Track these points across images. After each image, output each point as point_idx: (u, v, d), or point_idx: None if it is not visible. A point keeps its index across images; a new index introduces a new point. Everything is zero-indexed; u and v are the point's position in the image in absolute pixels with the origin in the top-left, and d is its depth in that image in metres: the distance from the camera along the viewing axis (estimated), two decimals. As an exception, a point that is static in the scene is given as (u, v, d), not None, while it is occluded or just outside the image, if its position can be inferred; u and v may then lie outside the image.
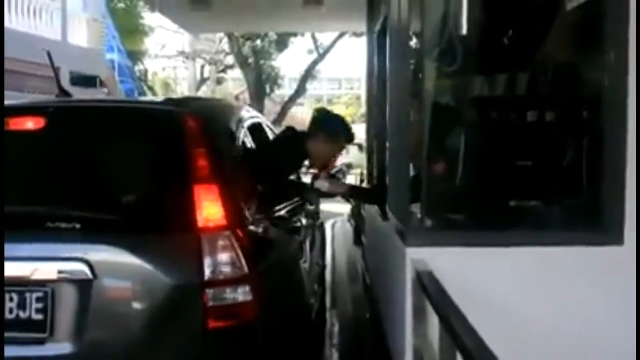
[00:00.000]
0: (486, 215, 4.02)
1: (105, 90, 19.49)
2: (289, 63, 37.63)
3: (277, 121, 32.05)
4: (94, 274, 3.29)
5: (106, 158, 3.74)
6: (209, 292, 3.36)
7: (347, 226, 12.74)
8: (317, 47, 33.13)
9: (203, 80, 38.11)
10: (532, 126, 4.46)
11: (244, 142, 4.39)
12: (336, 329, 7.23)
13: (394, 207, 4.20)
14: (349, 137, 5.07)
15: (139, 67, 34.76)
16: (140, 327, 3.32)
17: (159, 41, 36.61)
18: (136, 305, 3.35)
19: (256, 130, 5.04)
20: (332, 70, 57.16)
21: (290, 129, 5.26)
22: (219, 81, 39.80)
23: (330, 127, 4.90)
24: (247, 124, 4.68)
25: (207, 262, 3.36)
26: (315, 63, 33.61)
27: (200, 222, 3.41)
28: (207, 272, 3.36)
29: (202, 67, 38.31)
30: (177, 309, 3.36)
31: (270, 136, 5.77)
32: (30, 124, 3.73)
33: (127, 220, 3.50)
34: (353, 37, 29.00)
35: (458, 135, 4.34)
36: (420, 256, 3.40)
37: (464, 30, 4.77)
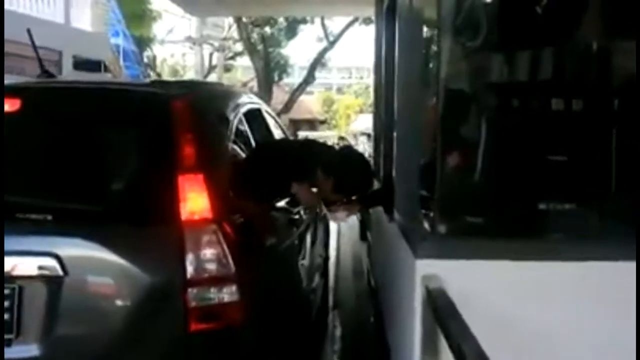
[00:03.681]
0: (512, 221, 3.51)
1: (110, 75, 19.22)
2: (298, 51, 37.48)
3: (285, 110, 31.90)
4: (65, 271, 3.00)
5: (83, 144, 3.42)
6: (192, 291, 3.06)
7: (353, 219, 12.44)
8: (326, 35, 32.76)
9: (211, 68, 37.79)
10: (569, 115, 3.85)
11: (239, 129, 4.09)
12: (338, 333, 6.95)
13: (402, 207, 3.78)
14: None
15: (147, 54, 34.59)
16: (115, 329, 3.03)
17: (165, 27, 36.38)
18: (111, 305, 3.05)
19: (254, 116, 4.73)
20: (342, 59, 57.12)
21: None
22: (228, 69, 39.53)
23: (343, 184, 4.08)
24: (243, 109, 4.37)
25: (189, 258, 3.07)
26: (324, 51, 33.26)
27: (184, 215, 3.11)
28: (190, 270, 3.06)
29: (211, 54, 38.00)
30: (156, 309, 3.07)
31: (271, 124, 5.46)
32: (6, 106, 3.43)
33: (103, 212, 3.19)
34: (363, 25, 28.72)
35: (479, 125, 3.87)
36: (432, 270, 2.95)
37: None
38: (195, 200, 3.14)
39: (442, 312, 2.66)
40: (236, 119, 4.07)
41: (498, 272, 2.99)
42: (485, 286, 2.97)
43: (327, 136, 36.93)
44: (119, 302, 3.04)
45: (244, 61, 38.38)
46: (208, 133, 3.50)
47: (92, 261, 3.04)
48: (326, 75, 57.11)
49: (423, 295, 2.95)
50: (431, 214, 3.30)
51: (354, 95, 61.04)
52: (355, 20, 29.57)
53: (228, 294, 3.12)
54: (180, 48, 40.98)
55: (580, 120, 3.86)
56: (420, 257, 3.02)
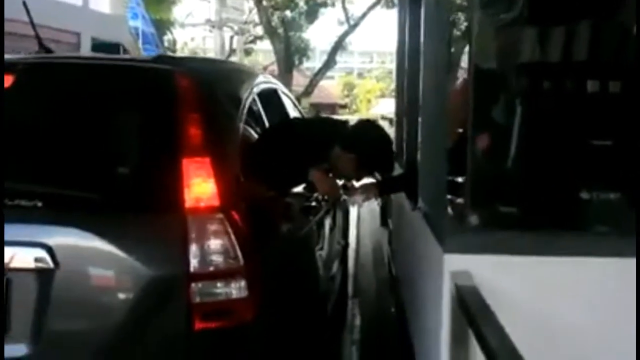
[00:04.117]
0: (552, 213, 3.12)
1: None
2: (319, 35, 37.18)
3: (305, 94, 31.65)
4: (56, 262, 2.73)
5: (78, 123, 3.12)
6: (196, 286, 2.77)
7: (373, 204, 12.13)
8: (347, 19, 32.32)
9: (232, 51, 37.52)
10: (617, 97, 3.47)
11: (252, 110, 3.80)
12: (357, 322, 6.67)
13: (427, 195, 3.46)
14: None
15: (167, 37, 34.36)
16: (112, 327, 2.75)
17: (185, 10, 36.16)
18: (107, 301, 2.78)
19: (269, 97, 4.44)
20: (363, 43, 56.86)
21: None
22: (248, 52, 39.27)
23: (366, 160, 3.93)
24: (257, 89, 4.07)
25: (193, 250, 2.78)
26: (345, 34, 32.82)
27: (188, 202, 2.82)
28: (194, 263, 2.78)
29: (232, 37, 37.80)
30: (156, 306, 2.79)
31: (288, 105, 5.17)
32: (-2, 82, 3.15)
33: (99, 199, 2.90)
34: (385, 8, 28.33)
35: (514, 107, 3.50)
36: (463, 266, 2.65)
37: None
38: (200, 186, 2.85)
39: (473, 311, 2.36)
40: (249, 99, 3.77)
41: (535, 269, 2.69)
42: (521, 284, 2.68)
43: (348, 120, 36.63)
44: (115, 298, 2.78)
45: (265, 45, 38.04)
46: (216, 113, 3.22)
47: (86, 252, 2.76)
48: (347, 60, 56.69)
49: (452, 293, 2.66)
50: (459, 203, 3.00)
51: (375, 80, 60.72)
52: (377, 3, 29.20)
53: (236, 289, 2.83)
54: (200, 32, 40.86)
55: (625, 102, 3.47)
56: (448, 251, 2.72)
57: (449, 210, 2.98)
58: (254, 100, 3.90)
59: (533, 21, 3.59)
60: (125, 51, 19.52)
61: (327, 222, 5.03)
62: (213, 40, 39.02)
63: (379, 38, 70.16)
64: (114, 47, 18.53)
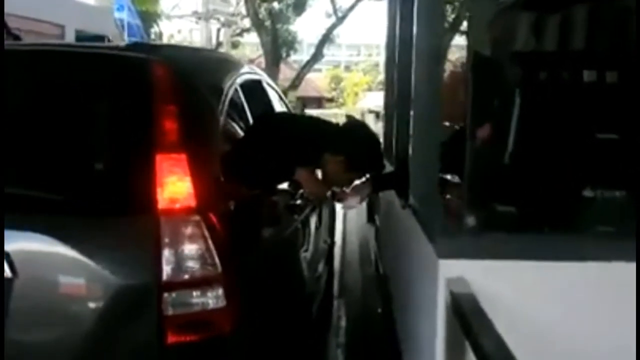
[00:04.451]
0: (557, 214, 2.87)
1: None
2: (306, 27, 37.01)
3: (292, 86, 31.46)
4: (14, 271, 2.48)
5: (43, 117, 2.86)
6: (169, 296, 2.53)
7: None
8: (335, 11, 32.14)
9: (218, 44, 37.22)
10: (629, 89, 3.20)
11: (234, 102, 3.55)
12: (343, 323, 6.48)
13: (419, 193, 3.23)
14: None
15: (154, 29, 34.05)
16: (76, 342, 2.51)
17: (172, 2, 35.88)
18: (71, 312, 2.54)
19: (253, 89, 4.18)
20: (350, 36, 56.81)
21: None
22: (235, 45, 38.95)
23: (356, 161, 3.71)
24: (240, 80, 3.82)
25: (166, 255, 2.53)
26: (333, 27, 32.65)
27: (161, 203, 2.57)
28: (167, 270, 2.53)
29: (218, 30, 37.49)
30: (125, 318, 2.55)
31: (274, 98, 4.92)
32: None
33: (63, 200, 2.65)
34: (373, 0, 28.17)
35: (515, 99, 3.24)
36: (458, 271, 2.43)
37: None
38: (175, 186, 2.59)
39: (470, 320, 2.17)
40: (231, 90, 3.51)
41: (537, 275, 2.47)
42: (521, 291, 2.46)
43: (335, 114, 36.54)
44: (80, 309, 2.53)
45: (252, 37, 37.79)
46: (195, 105, 2.95)
47: (48, 260, 2.52)
48: (334, 53, 56.54)
49: (447, 300, 2.45)
50: (454, 203, 2.77)
51: (362, 73, 60.55)
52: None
53: (213, 298, 2.59)
54: (187, 24, 40.49)
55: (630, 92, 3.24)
56: (443, 256, 2.50)
57: (444, 212, 2.74)
58: (236, 91, 3.65)
59: (535, 6, 3.34)
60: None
61: (313, 221, 4.80)
62: (200, 32, 38.72)
63: (367, 31, 70.11)
64: (99, 40, 18.19)
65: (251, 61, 32.79)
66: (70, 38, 17.39)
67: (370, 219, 9.04)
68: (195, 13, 33.60)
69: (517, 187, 2.96)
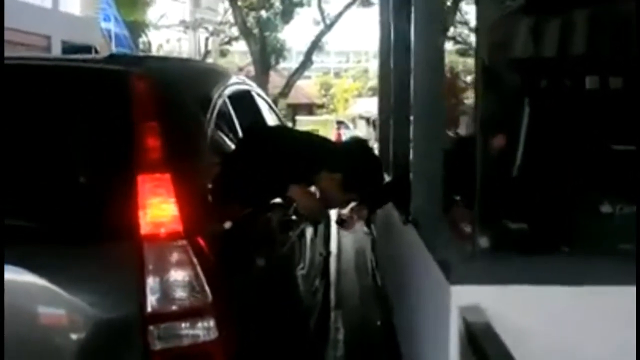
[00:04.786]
0: (581, 234, 2.63)
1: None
2: (295, 35, 37.01)
3: (282, 94, 31.38)
4: None
5: (14, 136, 2.60)
6: (155, 329, 2.32)
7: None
8: (323, 18, 32.10)
9: (207, 52, 37.05)
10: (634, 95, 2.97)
11: (222, 115, 3.35)
12: (341, 336, 6.28)
13: (422, 209, 2.99)
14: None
15: (142, 39, 33.89)
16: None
17: (159, 11, 35.77)
18: (45, 350, 2.32)
19: (242, 100, 3.98)
20: (339, 43, 56.87)
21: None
22: (224, 53, 38.86)
23: (354, 181, 3.49)
24: (228, 91, 3.62)
25: (151, 285, 2.32)
26: (322, 34, 32.62)
27: (144, 228, 2.36)
28: (152, 300, 2.32)
29: (207, 39, 37.37)
30: (107, 354, 2.34)
31: (264, 109, 4.72)
32: None
33: (37, 226, 2.43)
34: (361, 7, 28.07)
35: (527, 107, 3.03)
36: (472, 298, 2.21)
37: None
38: (159, 208, 2.38)
39: (487, 353, 1.95)
40: (219, 103, 3.31)
41: (560, 301, 2.26)
42: (543, 319, 2.26)
43: (326, 120, 36.40)
44: (56, 346, 2.32)
45: (241, 46, 37.71)
46: (180, 120, 2.74)
47: (20, 291, 2.30)
48: (323, 59, 56.45)
49: (460, 330, 2.23)
50: (461, 219, 2.56)
51: (352, 79, 60.57)
52: (353, 2, 28.98)
53: (204, 329, 2.38)
54: (176, 33, 40.33)
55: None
56: (456, 282, 2.28)
57: (451, 232, 2.53)
58: (224, 104, 3.45)
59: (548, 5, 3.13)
60: (98, 54, 19.07)
61: (309, 233, 4.59)
62: (188, 41, 38.55)
63: (355, 37, 70.07)
64: (86, 50, 17.98)
65: (240, 69, 32.75)
66: (56, 49, 17.23)
67: (367, 228, 8.87)
68: (182, 22, 33.44)
69: (532, 203, 2.74)
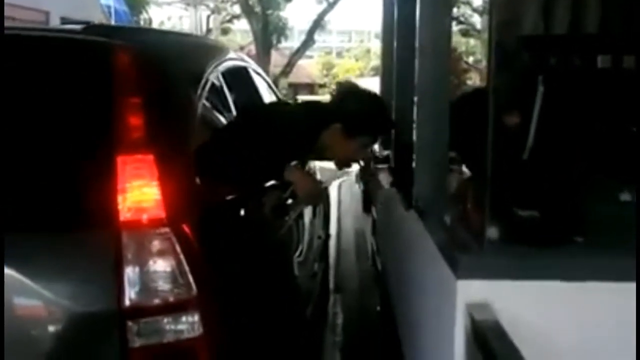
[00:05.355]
0: (601, 226, 2.32)
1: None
2: (297, 13, 36.81)
3: (284, 73, 31.30)
4: None
5: None
6: (134, 325, 2.12)
7: (355, 188, 11.56)
8: (326, -4, 31.93)
9: (208, 31, 36.84)
10: None
11: (214, 92, 3.15)
12: (340, 320, 6.21)
13: (427, 196, 2.82)
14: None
15: (143, 17, 33.70)
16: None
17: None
18: (16, 347, 2.11)
19: (238, 77, 3.78)
20: (342, 22, 56.65)
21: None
22: (225, 31, 38.66)
23: (354, 124, 3.36)
24: (222, 67, 3.42)
25: (130, 276, 2.13)
26: (324, 13, 32.54)
27: (123, 214, 2.16)
28: (130, 293, 2.13)
29: (208, 16, 37.18)
30: (82, 351, 2.15)
31: (262, 87, 4.52)
32: None
33: (7, 212, 2.19)
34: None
35: (540, 86, 2.82)
36: (480, 293, 2.03)
37: None
38: (140, 193, 2.18)
39: (497, 353, 1.78)
40: (210, 80, 3.11)
41: (577, 298, 2.06)
42: (557, 316, 2.06)
43: (327, 99, 36.29)
44: (27, 343, 2.12)
45: (242, 24, 37.56)
46: (165, 96, 2.53)
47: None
48: (325, 39, 56.36)
49: (467, 328, 2.05)
50: (468, 205, 2.37)
51: (354, 59, 60.37)
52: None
53: (188, 325, 2.18)
54: (177, 10, 40.17)
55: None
56: (463, 276, 2.09)
57: (460, 223, 2.34)
58: (217, 81, 3.25)
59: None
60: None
61: (307, 214, 4.40)
62: (190, 19, 38.35)
63: (358, 16, 69.84)
64: (84, 26, 17.88)
65: (242, 48, 32.61)
66: (55, 25, 17.03)
67: (367, 208, 8.70)
68: (184, -1, 33.27)
69: (546, 191, 2.54)
